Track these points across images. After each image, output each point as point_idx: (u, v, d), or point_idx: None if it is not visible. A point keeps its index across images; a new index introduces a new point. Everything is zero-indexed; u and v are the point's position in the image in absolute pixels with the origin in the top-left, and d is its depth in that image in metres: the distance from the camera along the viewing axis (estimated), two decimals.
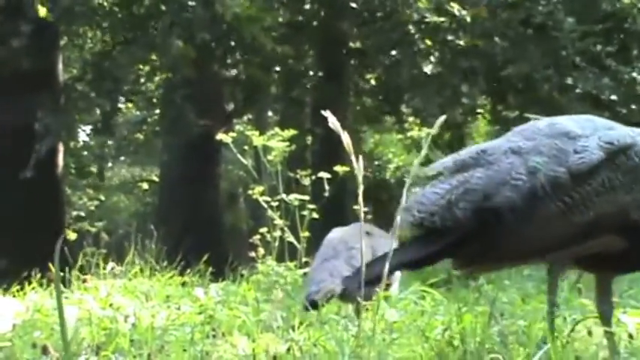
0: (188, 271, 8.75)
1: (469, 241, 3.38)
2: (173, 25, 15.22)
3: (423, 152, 3.66)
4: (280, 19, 16.86)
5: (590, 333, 4.83)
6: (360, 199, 3.77)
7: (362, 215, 3.87)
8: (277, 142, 8.75)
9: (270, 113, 24.02)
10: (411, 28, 15.78)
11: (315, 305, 5.50)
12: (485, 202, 3.36)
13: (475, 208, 3.36)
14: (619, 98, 15.62)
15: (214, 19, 15.06)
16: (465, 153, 3.61)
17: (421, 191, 3.51)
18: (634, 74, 15.76)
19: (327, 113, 3.69)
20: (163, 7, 15.58)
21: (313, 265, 6.04)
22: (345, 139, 3.71)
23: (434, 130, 3.86)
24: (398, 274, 6.21)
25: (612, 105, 15.65)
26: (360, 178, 3.73)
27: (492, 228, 3.36)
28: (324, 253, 5.99)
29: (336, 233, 6.14)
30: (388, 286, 6.10)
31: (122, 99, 17.91)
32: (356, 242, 5.94)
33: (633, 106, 16.09)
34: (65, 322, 2.56)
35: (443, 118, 3.88)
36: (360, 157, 3.73)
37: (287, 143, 8.72)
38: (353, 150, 3.77)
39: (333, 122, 3.66)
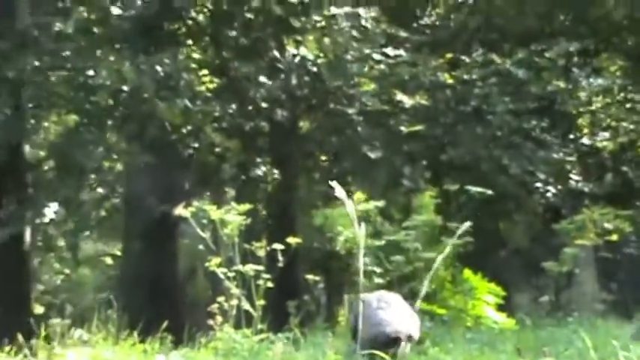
0: (149, 338, 9.05)
1: None
2: (127, 118, 15.86)
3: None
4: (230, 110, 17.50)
5: None
6: (361, 258, 4.19)
7: (361, 272, 4.24)
8: (233, 215, 9.24)
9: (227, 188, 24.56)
10: (354, 118, 16.48)
11: (397, 342, 5.71)
12: None
13: None
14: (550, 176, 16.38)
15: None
16: None
17: None
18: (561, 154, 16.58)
19: (334, 184, 4.16)
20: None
21: (366, 313, 6.12)
22: (350, 207, 4.17)
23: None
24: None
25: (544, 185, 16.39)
26: (361, 243, 4.16)
27: None
28: (370, 306, 6.11)
29: (367, 297, 6.28)
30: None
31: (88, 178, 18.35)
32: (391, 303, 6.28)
33: (560, 187, 16.88)
34: None
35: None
36: (363, 223, 4.18)
37: (243, 217, 9.20)
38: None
39: (339, 193, 4.13)
